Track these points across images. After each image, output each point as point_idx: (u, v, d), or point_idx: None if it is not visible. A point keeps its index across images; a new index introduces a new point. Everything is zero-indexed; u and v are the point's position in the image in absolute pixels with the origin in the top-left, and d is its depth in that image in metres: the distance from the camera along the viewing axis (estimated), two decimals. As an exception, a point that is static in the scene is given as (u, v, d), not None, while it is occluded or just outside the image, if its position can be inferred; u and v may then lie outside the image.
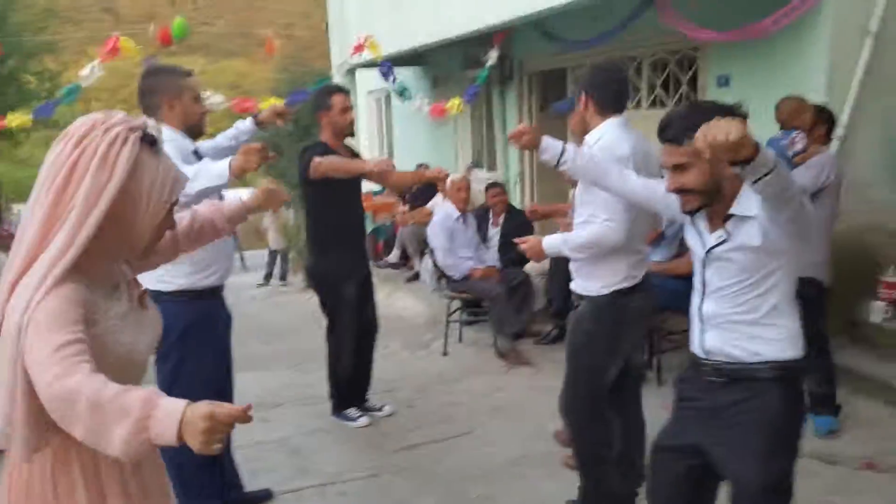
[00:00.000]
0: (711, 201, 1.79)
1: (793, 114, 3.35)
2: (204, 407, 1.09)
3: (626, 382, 2.71)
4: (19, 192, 12.79)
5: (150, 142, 1.32)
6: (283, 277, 10.56)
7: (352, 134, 3.70)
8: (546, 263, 5.06)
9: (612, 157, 2.39)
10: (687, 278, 4.00)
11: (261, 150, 2.25)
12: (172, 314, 1.85)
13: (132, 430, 1.09)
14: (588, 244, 2.50)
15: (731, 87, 4.76)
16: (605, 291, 2.54)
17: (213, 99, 5.91)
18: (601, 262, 2.51)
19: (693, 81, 5.27)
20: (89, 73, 5.46)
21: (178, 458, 2.48)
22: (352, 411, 3.86)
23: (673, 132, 1.75)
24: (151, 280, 1.90)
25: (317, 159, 3.41)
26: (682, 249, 4.45)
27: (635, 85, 5.68)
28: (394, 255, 7.46)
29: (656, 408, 3.88)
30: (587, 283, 2.58)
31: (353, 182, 3.69)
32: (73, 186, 1.25)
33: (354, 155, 3.80)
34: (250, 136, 3.10)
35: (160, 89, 2.52)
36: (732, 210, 1.78)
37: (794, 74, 4.27)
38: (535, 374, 4.54)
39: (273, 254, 12.11)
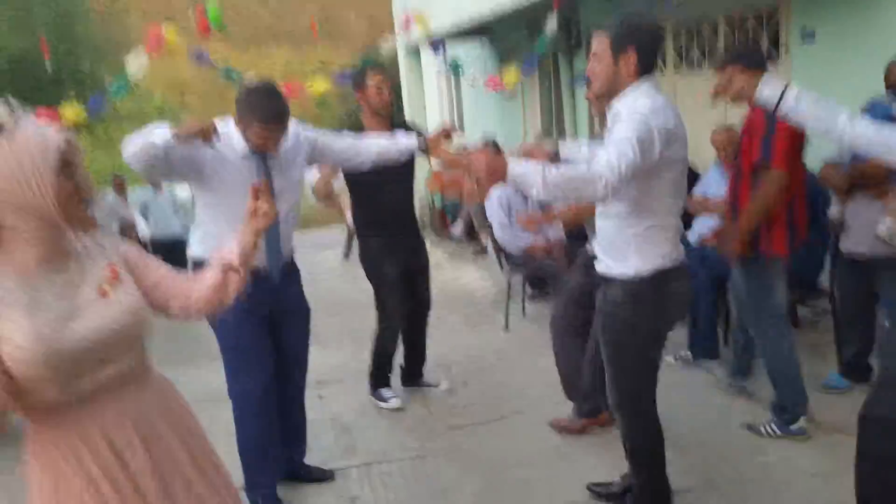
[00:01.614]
0: None
1: None
2: None
3: None
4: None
5: None
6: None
7: (389, 115, 3.55)
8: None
9: (656, 127, 2.04)
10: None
11: (206, 125, 2.38)
12: None
13: None
14: (571, 181, 1.95)
15: (816, 44, 4.31)
16: (646, 272, 2.21)
17: None
18: (641, 237, 2.20)
19: (776, 39, 4.82)
20: (135, 65, 5.46)
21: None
22: (385, 391, 3.80)
23: None
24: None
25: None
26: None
27: (712, 46, 5.27)
28: (457, 230, 7.38)
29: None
30: (621, 264, 2.26)
31: (388, 167, 3.52)
32: None
33: (409, 132, 3.56)
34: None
35: (238, 113, 2.52)
36: None
37: (892, 30, 3.78)
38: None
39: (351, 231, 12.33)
